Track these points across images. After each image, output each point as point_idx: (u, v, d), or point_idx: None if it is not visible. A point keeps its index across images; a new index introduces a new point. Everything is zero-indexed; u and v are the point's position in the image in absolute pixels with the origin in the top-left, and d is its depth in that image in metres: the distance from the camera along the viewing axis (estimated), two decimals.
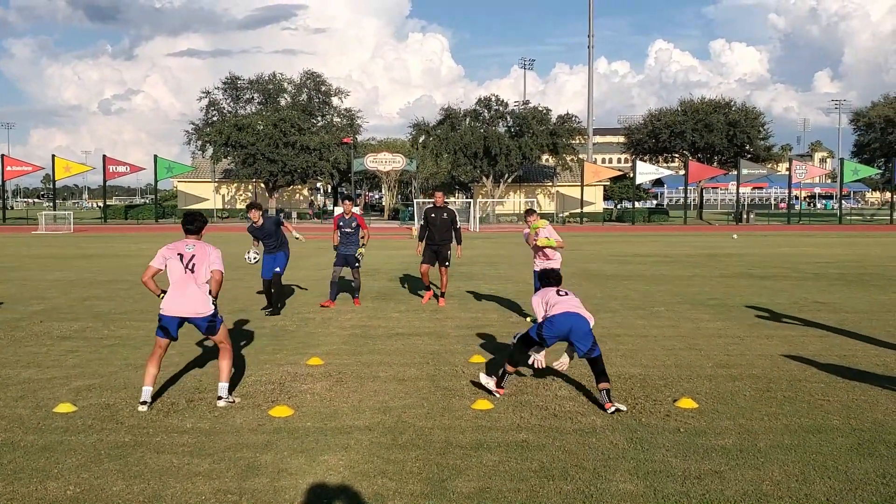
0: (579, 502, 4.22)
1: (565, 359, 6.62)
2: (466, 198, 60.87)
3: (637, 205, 62.91)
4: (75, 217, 49.40)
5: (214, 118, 61.02)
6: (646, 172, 59.53)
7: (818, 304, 11.83)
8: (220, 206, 63.09)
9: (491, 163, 55.49)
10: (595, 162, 68.71)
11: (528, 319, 10.03)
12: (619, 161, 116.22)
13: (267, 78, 61.99)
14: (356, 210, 12.10)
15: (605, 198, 65.51)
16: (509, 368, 6.35)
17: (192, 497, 4.29)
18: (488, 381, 6.40)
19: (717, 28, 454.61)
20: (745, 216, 57.49)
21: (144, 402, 5.96)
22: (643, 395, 6.38)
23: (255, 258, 10.55)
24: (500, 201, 58.07)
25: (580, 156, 62.14)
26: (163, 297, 6.05)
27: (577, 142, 60.58)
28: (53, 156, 56.16)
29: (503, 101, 57.59)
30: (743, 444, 5.13)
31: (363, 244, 11.69)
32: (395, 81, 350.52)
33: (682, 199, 74.25)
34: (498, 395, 6.28)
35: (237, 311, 10.95)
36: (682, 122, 59.70)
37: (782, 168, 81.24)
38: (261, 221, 10.81)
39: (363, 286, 12.88)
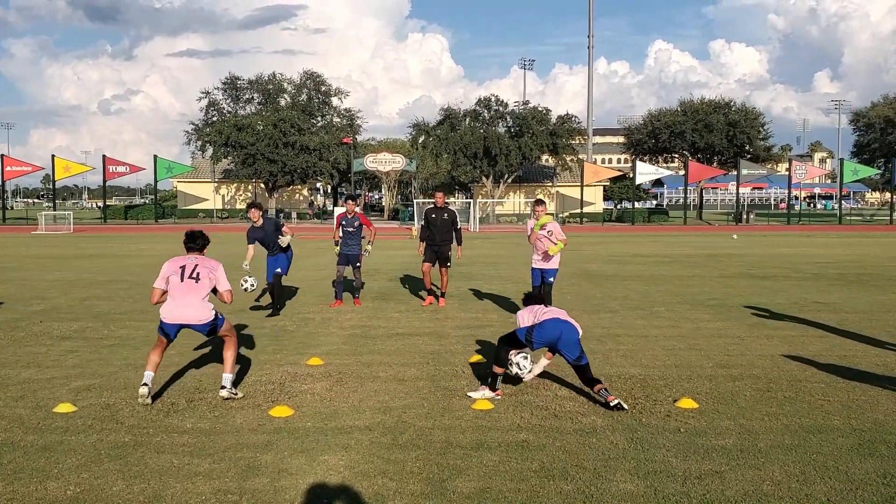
0: (580, 502, 4.22)
1: (544, 361, 6.74)
2: (466, 198, 60.78)
3: (637, 205, 62.83)
4: (75, 217, 49.39)
5: (214, 118, 60.98)
6: (645, 173, 59.48)
7: (818, 304, 11.83)
8: (220, 207, 63.10)
9: (491, 163, 55.48)
10: (595, 162, 68.67)
11: None
12: (618, 161, 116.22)
13: (267, 78, 61.97)
14: (358, 210, 12.15)
15: (605, 198, 65.48)
16: (497, 370, 6.33)
17: (192, 497, 4.29)
18: (482, 393, 6.30)
19: (716, 28, 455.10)
20: (744, 216, 57.46)
21: (145, 385, 6.00)
22: (643, 395, 6.38)
23: (252, 287, 9.41)
24: (500, 201, 58.04)
25: (580, 156, 62.15)
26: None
27: (577, 142, 60.59)
28: (53, 156, 56.12)
29: (503, 101, 57.59)
30: (743, 445, 5.13)
31: (370, 242, 11.96)
32: (394, 81, 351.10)
33: (681, 200, 74.27)
34: (498, 397, 6.27)
35: (237, 312, 10.94)
36: (682, 123, 59.69)
37: (782, 168, 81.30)
38: (261, 221, 10.96)
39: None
